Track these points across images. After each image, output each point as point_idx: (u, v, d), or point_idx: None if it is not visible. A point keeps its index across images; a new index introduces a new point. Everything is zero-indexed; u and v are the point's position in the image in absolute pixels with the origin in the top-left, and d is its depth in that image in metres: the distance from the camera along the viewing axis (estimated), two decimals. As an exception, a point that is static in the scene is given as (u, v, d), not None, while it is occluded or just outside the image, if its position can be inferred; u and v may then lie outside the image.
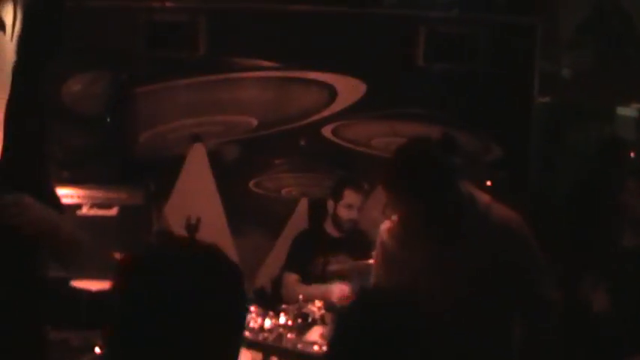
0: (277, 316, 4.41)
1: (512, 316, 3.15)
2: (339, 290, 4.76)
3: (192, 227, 3.98)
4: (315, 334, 4.33)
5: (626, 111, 6.95)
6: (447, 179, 2.98)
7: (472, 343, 2.83)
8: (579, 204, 5.76)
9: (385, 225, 3.21)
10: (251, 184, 6.19)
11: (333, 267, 4.95)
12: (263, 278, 5.78)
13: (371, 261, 4.91)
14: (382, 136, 6.14)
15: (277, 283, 5.32)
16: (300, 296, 4.56)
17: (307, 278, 5.09)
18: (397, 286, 3.05)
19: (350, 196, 5.18)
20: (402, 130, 6.10)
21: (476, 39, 5.89)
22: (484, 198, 3.09)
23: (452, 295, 2.95)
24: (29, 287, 3.15)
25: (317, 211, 5.81)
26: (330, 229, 5.29)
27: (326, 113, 6.09)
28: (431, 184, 2.95)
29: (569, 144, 6.74)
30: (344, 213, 5.18)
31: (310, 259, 5.14)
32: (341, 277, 4.88)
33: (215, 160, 6.09)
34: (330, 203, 5.27)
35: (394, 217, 3.13)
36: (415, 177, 2.95)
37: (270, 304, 4.85)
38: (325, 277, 5.02)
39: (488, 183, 5.86)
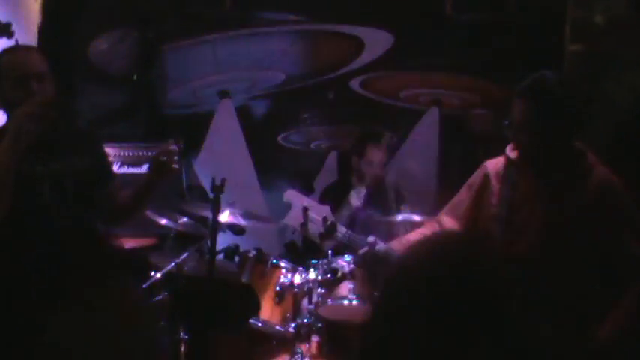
0: (307, 271, 4.45)
1: (598, 275, 3.14)
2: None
3: (218, 188, 4.02)
4: (345, 288, 4.36)
5: (662, 58, 6.78)
6: (572, 111, 3.07)
7: (554, 289, 2.99)
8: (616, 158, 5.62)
9: (491, 161, 3.29)
10: (280, 138, 6.19)
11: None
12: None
13: (399, 217, 4.95)
14: (410, 88, 6.09)
15: (307, 237, 5.32)
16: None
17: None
18: (493, 217, 3.20)
19: (372, 153, 5.17)
20: (431, 82, 6.05)
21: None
22: (592, 156, 3.19)
23: (543, 232, 3.11)
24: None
25: (346, 163, 5.81)
26: (356, 183, 5.29)
27: (354, 66, 6.04)
28: (562, 105, 3.04)
29: (603, 94, 6.60)
30: (367, 169, 5.18)
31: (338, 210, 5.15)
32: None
33: (243, 115, 6.08)
34: (355, 159, 5.27)
35: (509, 153, 3.21)
36: (549, 92, 3.04)
37: (301, 258, 4.89)
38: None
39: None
